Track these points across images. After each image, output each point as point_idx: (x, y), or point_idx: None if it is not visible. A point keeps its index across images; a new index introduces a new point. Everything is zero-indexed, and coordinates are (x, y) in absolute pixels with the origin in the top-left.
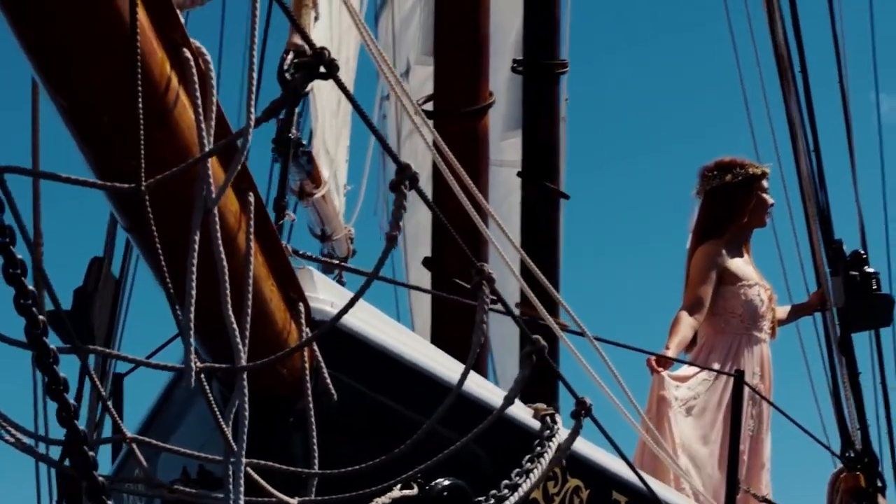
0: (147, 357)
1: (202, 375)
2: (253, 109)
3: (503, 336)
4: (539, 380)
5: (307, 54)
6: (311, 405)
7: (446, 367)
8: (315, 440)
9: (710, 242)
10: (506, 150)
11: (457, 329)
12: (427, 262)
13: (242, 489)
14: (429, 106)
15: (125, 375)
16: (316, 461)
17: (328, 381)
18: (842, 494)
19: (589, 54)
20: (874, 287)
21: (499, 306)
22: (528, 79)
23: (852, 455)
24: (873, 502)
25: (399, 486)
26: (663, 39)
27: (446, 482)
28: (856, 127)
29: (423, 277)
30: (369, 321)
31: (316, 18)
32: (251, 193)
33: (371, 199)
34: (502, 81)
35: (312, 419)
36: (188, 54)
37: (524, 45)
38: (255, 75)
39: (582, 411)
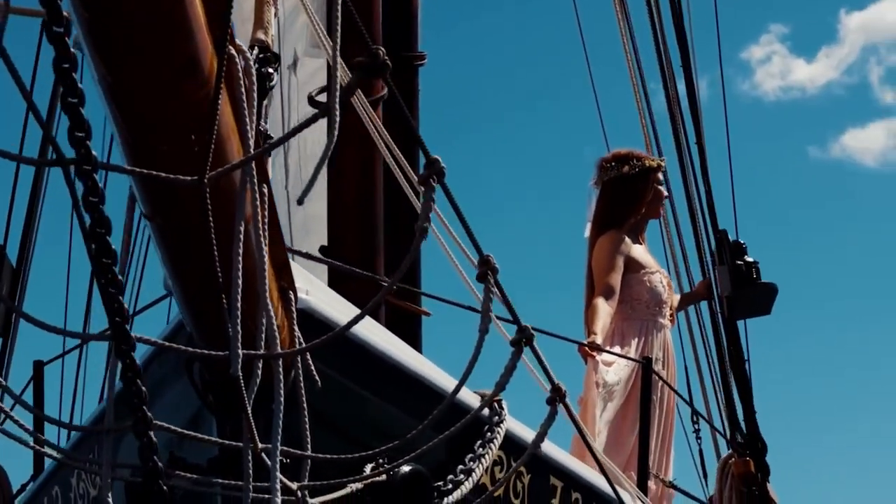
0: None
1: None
2: (338, 88)
3: None
4: None
5: (269, 50)
6: (304, 391)
7: (425, 365)
8: (308, 425)
9: (612, 231)
10: None
11: None
12: (324, 251)
13: (279, 477)
14: (322, 97)
15: (48, 364)
16: (309, 446)
17: (312, 368)
18: (732, 479)
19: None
20: (754, 276)
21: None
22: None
23: (741, 441)
24: (763, 488)
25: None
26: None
27: (408, 468)
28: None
29: (315, 267)
30: (345, 312)
31: (275, 14)
32: (266, 185)
33: None
34: None
35: (305, 404)
36: (233, 51)
37: (383, 38)
38: (338, 60)
39: (557, 398)
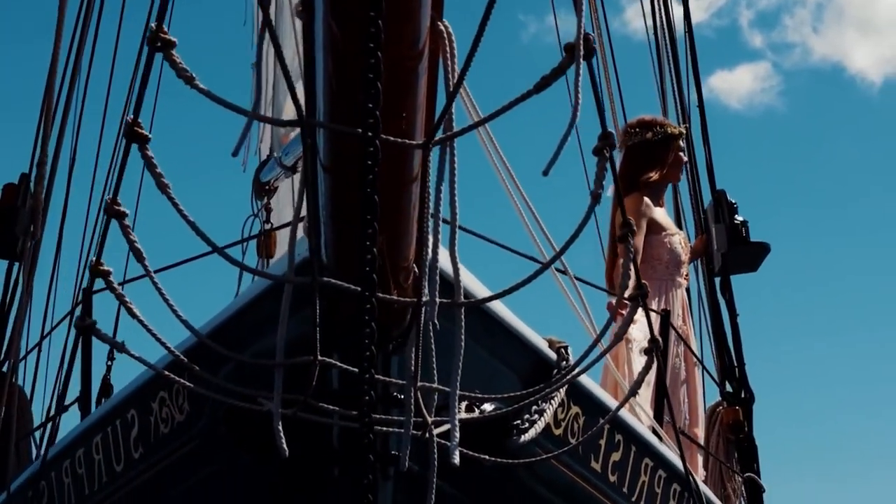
0: None
1: None
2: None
3: None
4: None
5: None
6: (432, 333)
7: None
8: (435, 363)
9: (635, 195)
10: None
11: None
12: None
13: (458, 415)
14: None
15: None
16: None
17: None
18: (720, 426)
19: None
20: (745, 234)
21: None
22: None
23: (731, 390)
24: (749, 436)
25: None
26: None
27: (491, 407)
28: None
29: None
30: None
31: None
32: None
33: None
34: None
35: (436, 344)
36: (442, 27)
37: None
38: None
39: (654, 349)
